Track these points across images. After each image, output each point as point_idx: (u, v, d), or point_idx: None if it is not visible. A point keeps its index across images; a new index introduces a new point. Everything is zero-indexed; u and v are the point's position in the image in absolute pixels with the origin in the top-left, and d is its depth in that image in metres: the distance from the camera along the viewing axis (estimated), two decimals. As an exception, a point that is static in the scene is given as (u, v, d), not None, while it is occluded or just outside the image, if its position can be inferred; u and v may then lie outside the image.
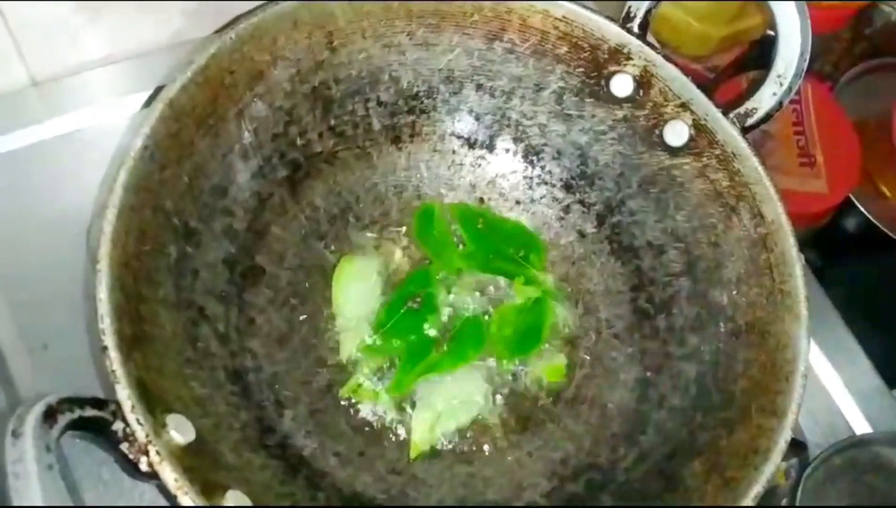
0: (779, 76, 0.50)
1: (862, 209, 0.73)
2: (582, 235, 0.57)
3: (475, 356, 0.52)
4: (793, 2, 0.48)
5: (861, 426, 0.58)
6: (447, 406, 0.51)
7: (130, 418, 0.38)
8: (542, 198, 0.58)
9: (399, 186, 0.57)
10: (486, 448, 0.51)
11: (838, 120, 0.74)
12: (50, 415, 0.35)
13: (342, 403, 0.51)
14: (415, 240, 0.56)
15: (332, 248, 0.54)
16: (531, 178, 0.57)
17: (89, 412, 0.37)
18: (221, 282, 0.49)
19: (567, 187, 0.57)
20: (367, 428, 0.50)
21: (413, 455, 0.50)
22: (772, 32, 0.71)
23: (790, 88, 0.50)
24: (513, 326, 0.54)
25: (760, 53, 0.74)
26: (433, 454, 0.50)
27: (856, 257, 0.79)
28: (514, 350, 0.53)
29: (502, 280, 0.56)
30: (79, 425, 0.37)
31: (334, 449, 0.49)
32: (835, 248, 0.76)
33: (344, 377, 0.51)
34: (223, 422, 0.44)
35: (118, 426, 0.38)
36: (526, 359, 0.53)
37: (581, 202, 0.57)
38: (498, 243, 0.57)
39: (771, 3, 0.49)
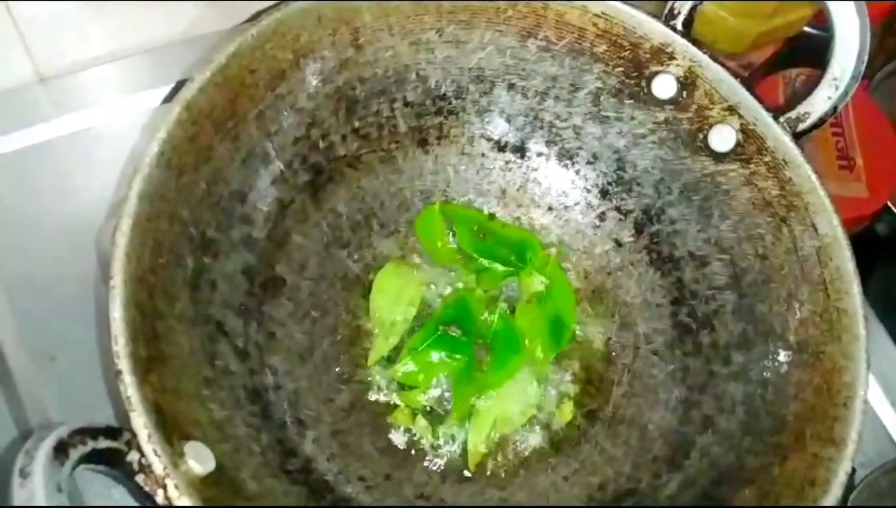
0: (834, 79, 0.47)
1: (896, 213, 0.71)
2: (619, 244, 0.54)
3: (521, 363, 0.50)
4: (852, 2, 0.45)
5: (909, 447, 0.56)
6: (502, 411, 0.49)
7: (147, 448, 0.35)
8: (576, 204, 0.55)
9: (425, 191, 0.54)
10: (519, 471, 0.48)
11: (877, 120, 0.71)
12: (61, 450, 0.32)
13: (366, 423, 0.48)
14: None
15: (356, 257, 0.52)
16: (565, 183, 0.55)
17: (103, 443, 0.34)
18: (240, 294, 0.46)
19: (603, 193, 0.54)
20: (393, 450, 0.48)
21: (472, 464, 0.48)
22: (810, 30, 0.69)
23: (846, 92, 0.47)
24: (539, 320, 0.52)
25: (797, 52, 0.71)
26: (463, 478, 0.47)
27: (890, 262, 0.76)
28: (551, 345, 0.51)
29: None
30: (91, 458, 0.34)
31: (359, 473, 0.46)
32: (866, 253, 0.74)
33: (368, 395, 0.49)
34: (243, 446, 0.42)
35: (133, 456, 0.35)
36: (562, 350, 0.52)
37: (618, 209, 0.54)
38: (494, 247, 0.54)
39: (829, 4, 0.46)
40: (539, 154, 0.54)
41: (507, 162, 0.55)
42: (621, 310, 0.53)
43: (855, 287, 0.44)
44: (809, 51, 0.65)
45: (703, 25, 0.65)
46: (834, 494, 0.40)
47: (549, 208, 0.55)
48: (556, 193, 0.55)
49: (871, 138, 0.70)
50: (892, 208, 0.71)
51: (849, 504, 0.52)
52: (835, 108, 0.47)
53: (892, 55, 0.83)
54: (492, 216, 0.55)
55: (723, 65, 0.48)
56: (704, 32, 0.66)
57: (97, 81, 0.59)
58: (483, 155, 0.54)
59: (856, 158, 0.69)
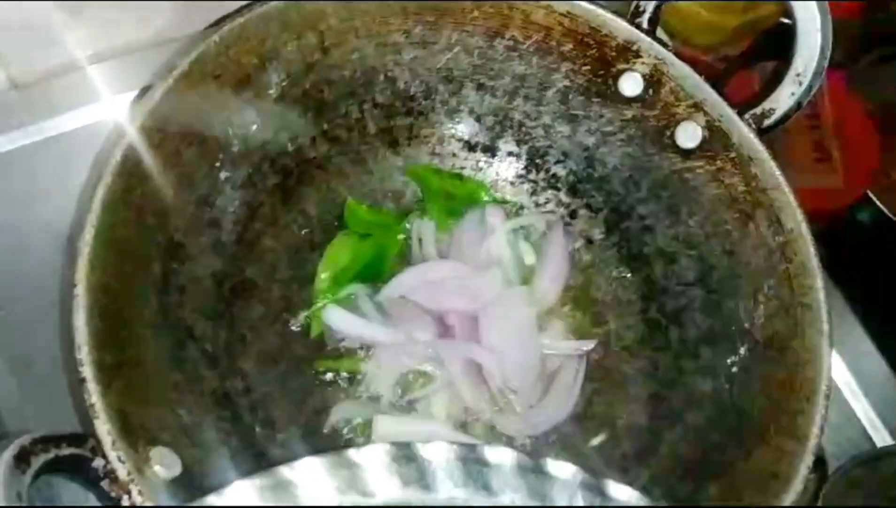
0: (798, 75, 0.47)
1: (877, 202, 0.71)
2: (589, 241, 0.54)
3: None
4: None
5: (881, 438, 0.56)
6: None
7: (111, 455, 0.35)
8: (547, 202, 0.55)
9: (396, 191, 0.54)
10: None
11: (854, 112, 0.71)
12: (22, 458, 0.33)
13: (338, 424, 0.48)
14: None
15: (327, 258, 0.52)
16: (535, 181, 0.55)
17: (66, 450, 0.35)
18: (210, 299, 0.46)
19: (573, 191, 0.54)
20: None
21: None
22: (785, 21, 0.69)
23: (810, 88, 0.47)
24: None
25: (772, 43, 0.71)
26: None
27: (870, 252, 0.76)
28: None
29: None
30: (56, 465, 0.34)
31: (331, 474, 0.46)
32: (846, 243, 0.74)
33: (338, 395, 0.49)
34: (212, 451, 0.42)
35: (98, 462, 0.36)
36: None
37: (588, 207, 0.54)
38: (461, 207, 0.55)
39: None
40: (509, 153, 0.55)
41: (477, 161, 0.55)
42: (592, 307, 0.53)
43: (819, 282, 0.44)
44: (786, 42, 0.65)
45: (679, 21, 0.66)
46: (795, 488, 0.40)
47: (521, 207, 0.55)
48: (527, 191, 0.55)
49: (847, 130, 0.70)
50: (873, 197, 0.71)
51: (822, 496, 0.52)
52: (799, 104, 0.47)
53: (872, 44, 0.82)
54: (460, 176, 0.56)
55: (687, 62, 0.48)
56: (679, 28, 0.66)
57: (71, 87, 0.59)
58: (454, 155, 0.55)
59: (832, 150, 0.69)
